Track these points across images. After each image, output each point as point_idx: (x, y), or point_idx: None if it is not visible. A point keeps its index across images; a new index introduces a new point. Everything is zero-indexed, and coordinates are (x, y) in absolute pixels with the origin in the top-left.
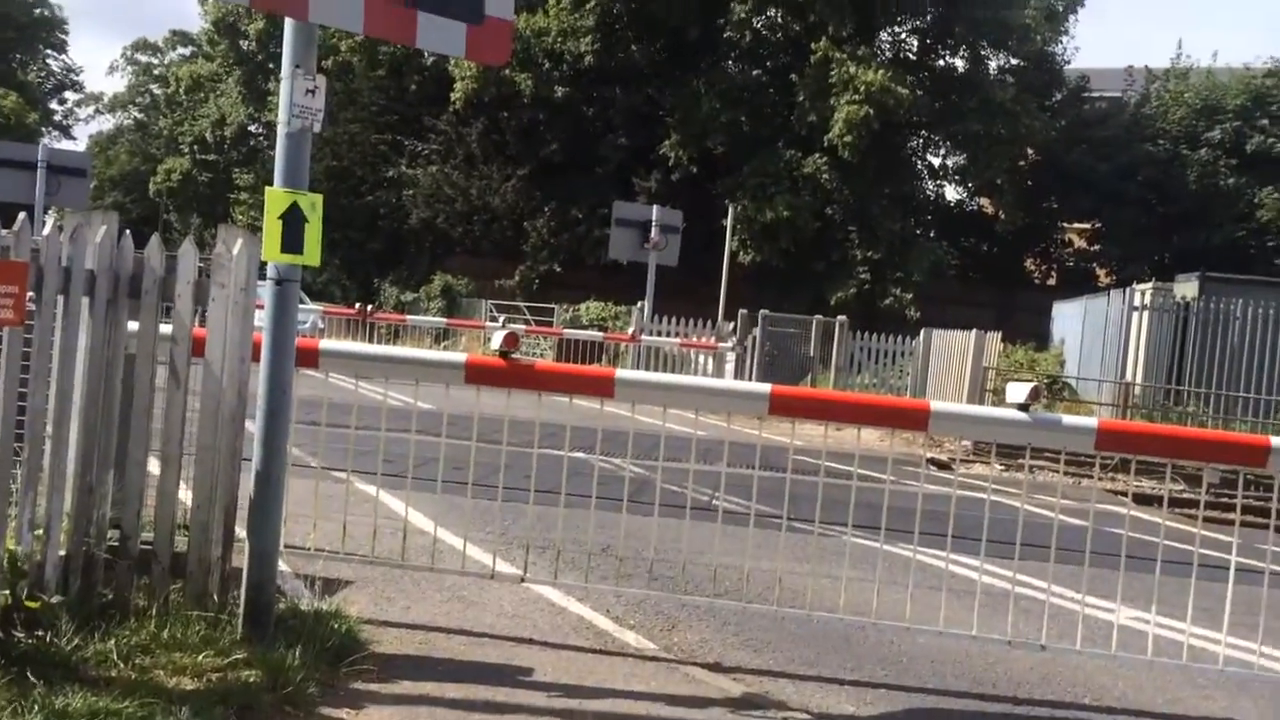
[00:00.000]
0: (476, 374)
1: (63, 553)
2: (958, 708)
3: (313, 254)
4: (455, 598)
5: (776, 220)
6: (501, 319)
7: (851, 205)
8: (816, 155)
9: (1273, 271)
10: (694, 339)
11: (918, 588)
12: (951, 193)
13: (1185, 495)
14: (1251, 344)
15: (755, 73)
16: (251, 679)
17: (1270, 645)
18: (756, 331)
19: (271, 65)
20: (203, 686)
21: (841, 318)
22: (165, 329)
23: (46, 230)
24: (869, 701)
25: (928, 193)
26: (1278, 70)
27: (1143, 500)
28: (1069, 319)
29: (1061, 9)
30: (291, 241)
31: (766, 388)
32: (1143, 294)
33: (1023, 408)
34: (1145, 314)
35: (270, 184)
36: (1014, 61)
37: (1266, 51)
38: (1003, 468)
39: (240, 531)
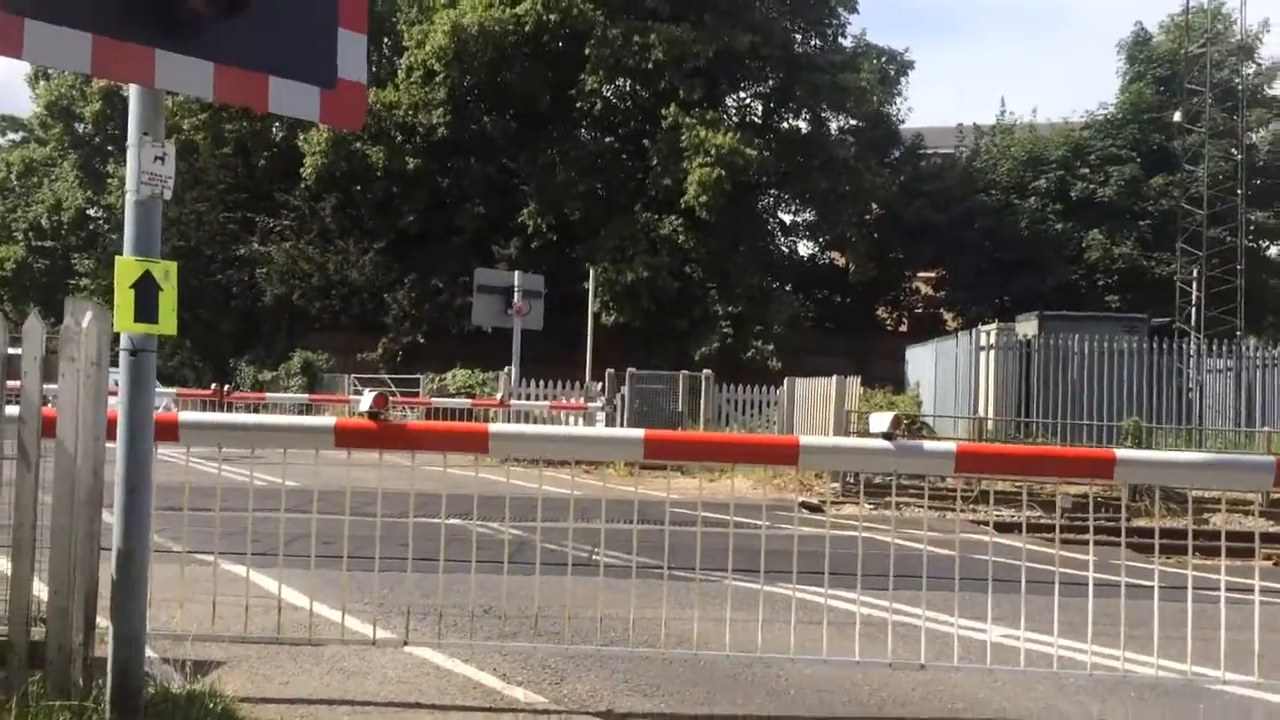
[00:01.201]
0: (347, 437)
1: None
2: None
3: (168, 322)
4: (336, 669)
5: (637, 281)
6: (365, 391)
7: (709, 263)
8: (673, 217)
9: (1104, 307)
10: (563, 400)
11: (800, 623)
12: (804, 248)
13: (1042, 520)
14: (1090, 375)
15: (608, 139)
16: None
17: (1132, 651)
18: (624, 390)
19: (110, 147)
20: None
21: (707, 371)
22: (11, 411)
23: None
24: None
25: (782, 248)
26: (1094, 123)
27: (1003, 528)
28: (922, 362)
29: (893, 72)
30: (145, 310)
31: (640, 432)
32: (987, 334)
33: (887, 436)
34: (991, 353)
35: (114, 267)
36: (853, 122)
37: (1082, 106)
38: (871, 506)
39: (103, 620)
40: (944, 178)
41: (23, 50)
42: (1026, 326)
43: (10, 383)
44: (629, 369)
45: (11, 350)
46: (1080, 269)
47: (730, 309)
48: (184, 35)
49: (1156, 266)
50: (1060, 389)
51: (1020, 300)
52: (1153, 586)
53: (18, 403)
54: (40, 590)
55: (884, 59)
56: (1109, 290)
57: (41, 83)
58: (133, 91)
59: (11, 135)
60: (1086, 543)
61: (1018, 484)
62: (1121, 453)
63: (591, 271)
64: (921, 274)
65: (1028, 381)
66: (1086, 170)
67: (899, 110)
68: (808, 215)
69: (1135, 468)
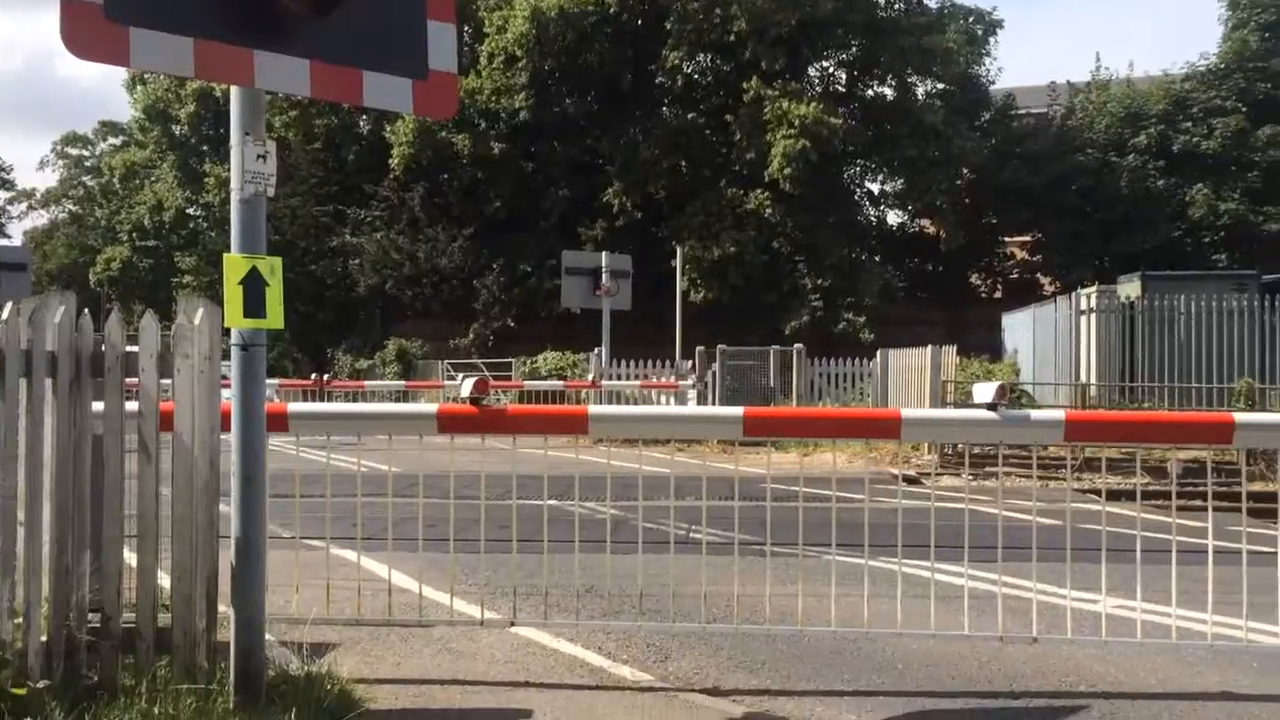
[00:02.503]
0: (449, 423)
1: (44, 638)
2: (957, 707)
3: (275, 317)
4: (445, 650)
5: (724, 257)
6: (460, 377)
7: (797, 236)
8: (758, 191)
9: (1210, 266)
10: (654, 380)
11: (906, 597)
12: (893, 217)
13: (1153, 487)
14: (1197, 336)
15: (690, 116)
16: None
17: (1255, 619)
18: (715, 367)
19: (205, 148)
20: None
21: (799, 346)
22: (131, 406)
23: (4, 315)
24: (869, 709)
25: (870, 219)
26: (1195, 74)
27: (1113, 496)
28: (1019, 329)
29: (980, 32)
30: (253, 306)
31: (740, 410)
32: (1088, 298)
33: (991, 407)
34: (1092, 316)
35: (214, 263)
36: (940, 86)
37: (1181, 58)
38: (972, 477)
39: (223, 606)
40: (1038, 139)
41: (129, 58)
42: (1129, 288)
43: (128, 380)
44: (719, 346)
45: (128, 348)
46: (1184, 226)
47: (820, 282)
48: (280, 35)
49: (1266, 221)
50: (1166, 352)
51: (1120, 262)
52: (1275, 553)
53: (136, 399)
54: (164, 579)
55: (971, 19)
56: (1215, 248)
57: (139, 87)
58: (233, 93)
59: (112, 140)
60: (1203, 509)
61: (1126, 451)
62: (1241, 417)
63: (678, 249)
64: (1016, 238)
65: (1131, 345)
66: (1189, 124)
67: (988, 71)
68: (896, 184)
69: (1257, 431)
